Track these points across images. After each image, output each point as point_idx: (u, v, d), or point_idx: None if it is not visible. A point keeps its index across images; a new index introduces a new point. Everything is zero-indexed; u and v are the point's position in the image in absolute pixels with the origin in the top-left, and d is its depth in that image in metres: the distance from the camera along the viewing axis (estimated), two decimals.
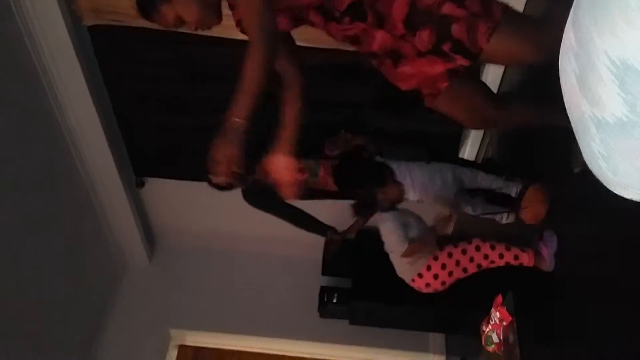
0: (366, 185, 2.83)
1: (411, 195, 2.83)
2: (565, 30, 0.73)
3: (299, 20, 1.96)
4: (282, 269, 4.73)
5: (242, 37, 3.08)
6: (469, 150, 3.89)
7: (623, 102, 0.62)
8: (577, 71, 0.68)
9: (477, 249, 2.77)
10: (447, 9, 1.78)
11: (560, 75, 0.74)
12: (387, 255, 3.02)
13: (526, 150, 3.03)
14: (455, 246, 2.82)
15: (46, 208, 3.69)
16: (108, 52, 3.47)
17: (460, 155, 3.96)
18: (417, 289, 2.91)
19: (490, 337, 2.64)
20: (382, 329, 4.13)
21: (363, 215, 3.09)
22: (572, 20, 0.70)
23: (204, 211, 4.46)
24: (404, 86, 2.07)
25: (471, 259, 2.78)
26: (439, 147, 3.87)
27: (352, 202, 2.96)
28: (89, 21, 3.26)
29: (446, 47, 1.83)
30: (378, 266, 3.58)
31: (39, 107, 3.52)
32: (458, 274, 2.82)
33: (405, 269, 2.91)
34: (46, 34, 3.25)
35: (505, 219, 2.89)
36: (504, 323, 2.58)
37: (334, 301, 4.08)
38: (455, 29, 1.79)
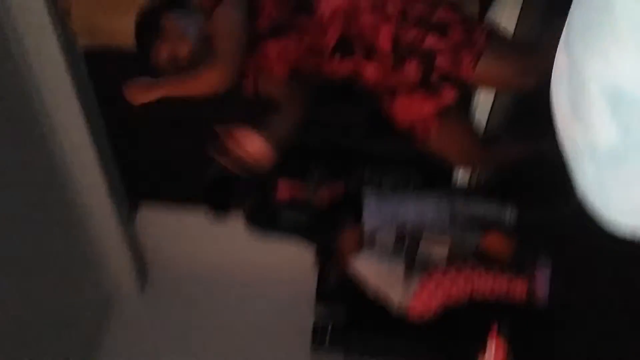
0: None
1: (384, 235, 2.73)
2: (557, 55, 0.72)
3: (294, 68, 1.98)
4: (277, 301, 4.67)
5: None
6: (461, 175, 3.88)
7: (616, 128, 0.61)
8: (570, 97, 0.68)
9: (472, 269, 2.68)
10: (429, 42, 1.81)
11: (552, 101, 0.73)
12: None
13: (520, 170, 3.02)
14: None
15: (34, 234, 3.63)
16: (102, 75, 3.47)
17: (454, 178, 3.96)
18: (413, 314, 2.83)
19: None
20: None
21: (324, 260, 2.89)
22: (564, 45, 0.70)
23: (197, 241, 4.41)
24: (399, 126, 2.10)
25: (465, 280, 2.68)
26: (433, 167, 3.88)
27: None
28: (84, 44, 3.27)
29: (434, 78, 1.85)
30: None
31: (30, 129, 3.50)
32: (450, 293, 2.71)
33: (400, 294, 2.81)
34: (40, 55, 3.25)
35: None
36: (500, 353, 2.55)
37: (328, 337, 4.04)
38: (440, 61, 1.81)
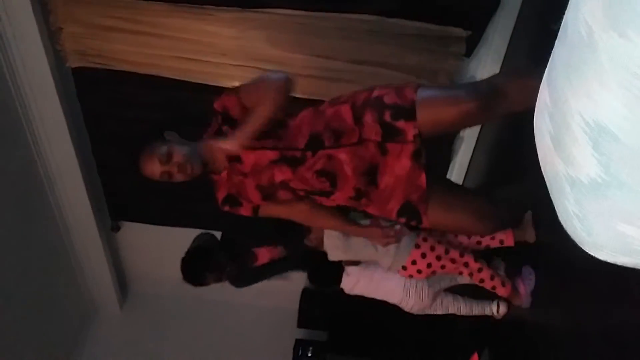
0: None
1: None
2: (540, 89, 0.74)
3: (268, 191, 2.18)
4: (257, 320, 4.65)
5: (224, 83, 3.14)
6: None
7: (597, 162, 0.62)
8: (552, 131, 0.69)
9: (461, 254, 2.66)
10: (376, 93, 2.10)
11: (535, 134, 0.75)
12: (363, 310, 2.95)
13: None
14: (440, 242, 2.68)
15: (17, 248, 3.60)
16: (91, 94, 3.47)
17: None
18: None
19: None
20: None
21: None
22: (547, 80, 0.71)
23: (178, 259, 4.37)
24: (396, 206, 2.16)
25: (452, 260, 2.65)
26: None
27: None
28: (73, 63, 3.27)
29: (387, 117, 2.03)
30: (355, 320, 3.51)
31: (16, 144, 3.48)
32: (436, 267, 2.68)
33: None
34: (29, 73, 3.25)
35: (496, 310, 2.82)
36: None
37: (309, 355, 4.00)
38: (388, 99, 2.06)
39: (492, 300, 2.80)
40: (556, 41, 0.71)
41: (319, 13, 2.98)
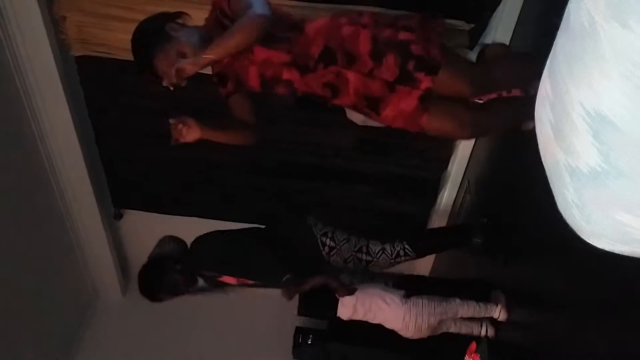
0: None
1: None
2: (541, 79, 0.74)
3: (269, 83, 2.21)
4: (258, 308, 4.65)
5: None
6: (447, 194, 3.92)
7: (597, 152, 0.63)
8: (553, 120, 0.69)
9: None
10: (403, 36, 2.10)
11: (535, 124, 0.75)
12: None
13: (501, 203, 3.05)
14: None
15: (20, 236, 3.62)
16: (94, 83, 3.47)
17: (439, 200, 4.00)
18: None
19: None
20: None
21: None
22: (549, 70, 0.72)
23: None
24: (393, 126, 2.26)
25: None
26: (418, 191, 3.91)
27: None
28: (78, 52, 3.27)
29: (411, 66, 2.07)
30: None
31: (20, 133, 3.50)
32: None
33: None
34: (33, 62, 3.26)
35: (484, 331, 2.75)
36: None
37: (309, 342, 4.01)
38: (415, 49, 2.08)
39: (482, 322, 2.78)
40: (558, 31, 0.71)
41: (320, 4, 2.97)
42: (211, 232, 2.72)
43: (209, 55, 2.00)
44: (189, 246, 2.74)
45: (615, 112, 0.59)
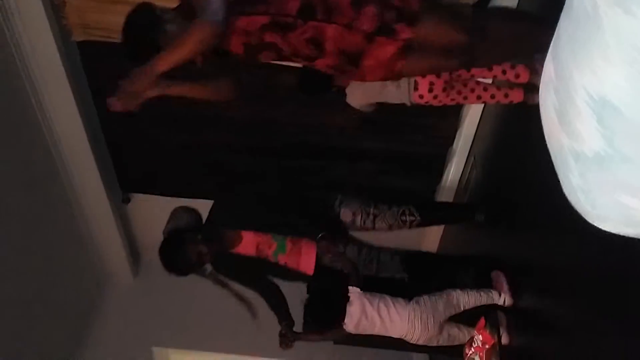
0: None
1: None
2: (545, 63, 0.74)
3: (254, 49, 2.17)
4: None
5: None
6: (453, 171, 3.92)
7: (601, 136, 0.63)
8: (557, 105, 0.70)
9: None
10: None
11: (540, 108, 0.75)
12: (372, 277, 2.95)
13: (507, 179, 3.04)
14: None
15: (29, 222, 3.65)
16: (97, 68, 3.46)
17: (445, 177, 3.99)
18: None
19: (473, 359, 2.64)
20: (366, 349, 4.10)
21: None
22: (552, 54, 0.72)
23: None
24: (374, 78, 2.28)
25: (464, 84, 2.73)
26: (424, 168, 3.90)
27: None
28: (79, 37, 3.26)
29: (389, 18, 2.07)
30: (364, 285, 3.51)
31: (25, 121, 3.50)
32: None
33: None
34: (35, 48, 3.25)
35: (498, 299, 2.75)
36: (487, 346, 2.58)
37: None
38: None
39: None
40: (561, 14, 0.71)
41: None
42: (228, 193, 2.82)
43: (158, 69, 2.05)
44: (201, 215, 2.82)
45: (619, 97, 0.59)
